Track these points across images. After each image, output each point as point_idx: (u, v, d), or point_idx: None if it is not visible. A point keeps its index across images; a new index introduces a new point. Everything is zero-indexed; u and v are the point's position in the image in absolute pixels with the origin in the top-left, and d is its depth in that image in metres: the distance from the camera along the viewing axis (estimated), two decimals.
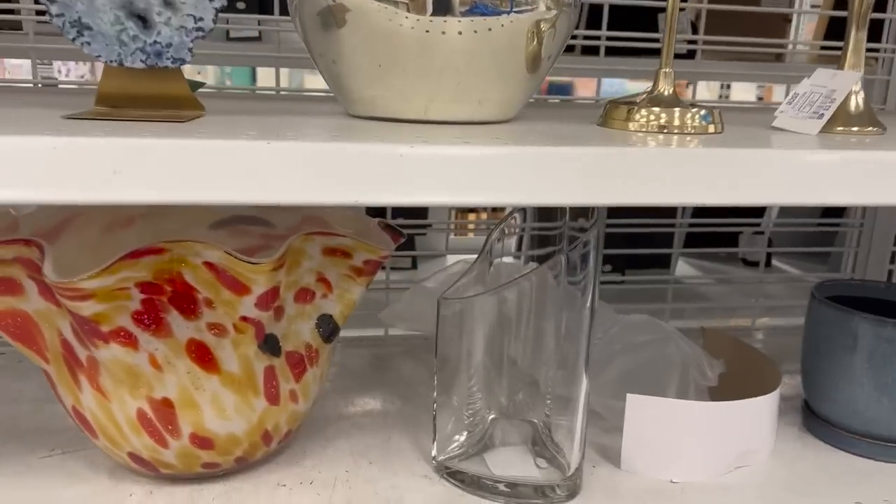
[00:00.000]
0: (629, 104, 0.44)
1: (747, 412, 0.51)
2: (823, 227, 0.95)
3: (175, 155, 0.31)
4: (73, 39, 0.39)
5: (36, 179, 0.30)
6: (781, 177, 0.37)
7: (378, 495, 0.48)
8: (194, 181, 0.31)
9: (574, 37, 0.74)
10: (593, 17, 0.77)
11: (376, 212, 0.77)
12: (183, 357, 0.43)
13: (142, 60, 0.40)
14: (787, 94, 0.84)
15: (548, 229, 0.55)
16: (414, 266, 1.06)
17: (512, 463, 0.50)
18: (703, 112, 0.43)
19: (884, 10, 0.77)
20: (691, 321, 0.84)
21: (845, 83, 0.45)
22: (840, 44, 0.47)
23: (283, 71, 0.74)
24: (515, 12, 0.39)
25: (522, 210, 0.54)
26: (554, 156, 0.34)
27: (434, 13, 0.38)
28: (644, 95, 0.44)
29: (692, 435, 0.50)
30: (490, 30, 0.39)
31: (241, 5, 0.85)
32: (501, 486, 0.48)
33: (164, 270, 0.40)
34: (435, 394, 0.50)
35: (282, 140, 0.32)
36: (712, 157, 0.36)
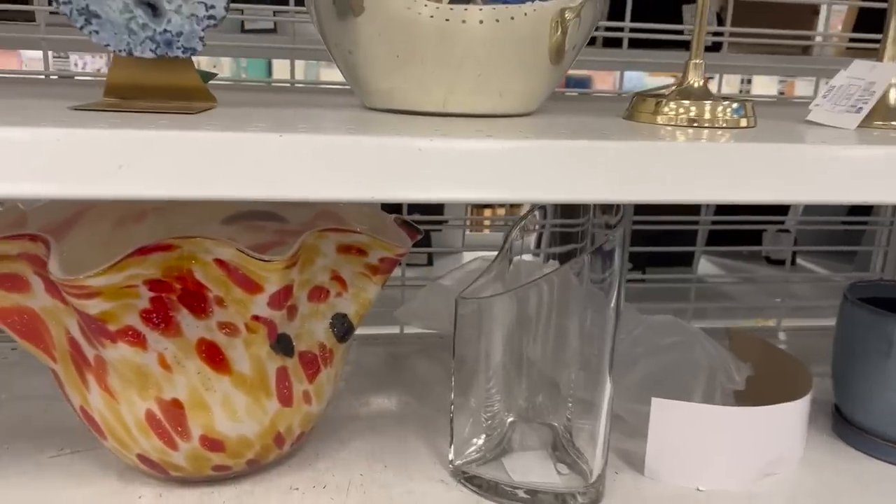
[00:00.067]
0: (657, 97, 0.42)
1: (777, 418, 0.50)
2: (851, 225, 0.92)
3: (182, 148, 0.30)
4: (81, 28, 0.38)
5: (38, 173, 0.29)
6: (820, 173, 0.35)
7: (393, 501, 0.46)
8: (202, 175, 0.30)
9: (595, 28, 0.72)
10: (614, 9, 0.75)
11: (392, 207, 0.75)
12: (193, 357, 0.42)
13: (151, 50, 0.38)
14: (815, 88, 0.82)
15: (569, 226, 0.54)
16: (430, 262, 1.05)
17: (531, 468, 0.48)
18: (735, 105, 0.41)
19: None
20: (714, 321, 0.81)
21: (885, 75, 0.43)
22: (872, 35, 0.45)
23: (299, 64, 0.73)
24: (539, 0, 0.37)
25: (542, 206, 0.53)
26: (582, 150, 0.32)
27: (454, 1, 0.36)
28: (673, 88, 0.42)
29: (719, 441, 0.49)
30: (512, 18, 0.37)
31: None
32: (521, 493, 0.47)
33: (173, 268, 0.39)
34: (452, 395, 0.49)
35: (294, 133, 0.31)
36: (747, 152, 0.34)
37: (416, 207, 0.84)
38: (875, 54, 0.46)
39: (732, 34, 0.73)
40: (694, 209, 0.81)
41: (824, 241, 1.04)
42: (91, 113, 0.35)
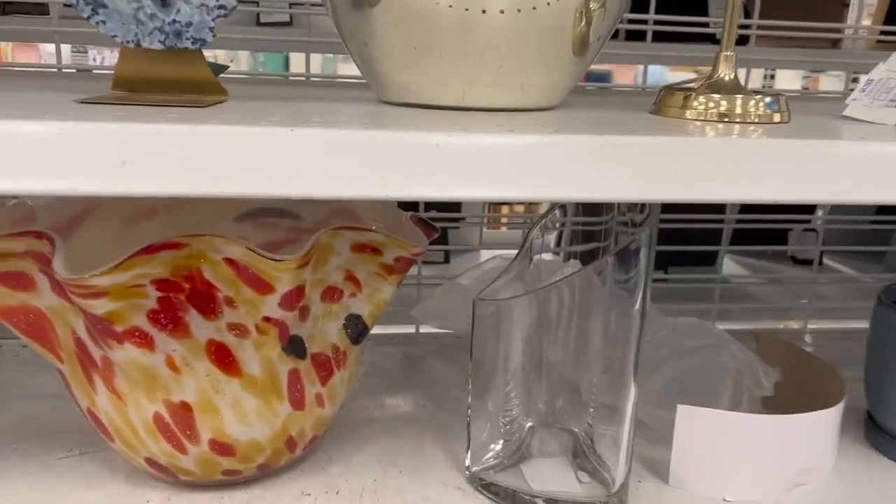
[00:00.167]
0: (686, 90, 0.40)
1: (809, 426, 0.48)
2: (880, 224, 0.89)
3: (188, 142, 0.28)
4: (88, 18, 0.37)
5: (39, 168, 0.28)
6: (861, 172, 0.33)
7: None
8: (209, 172, 0.29)
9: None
10: (637, 1, 0.73)
11: (408, 204, 0.74)
12: (202, 359, 0.40)
13: (160, 41, 0.37)
14: (845, 82, 0.79)
15: (592, 224, 0.52)
16: (446, 260, 1.03)
17: (551, 476, 0.47)
18: (767, 99, 0.39)
19: None
20: (739, 323, 0.79)
21: None
22: None
23: (316, 59, 0.71)
24: None
25: (562, 204, 0.51)
26: (609, 146, 0.30)
27: None
28: (702, 81, 0.41)
29: (747, 450, 0.47)
30: (535, 8, 0.36)
31: None
32: (540, 502, 0.45)
33: (181, 267, 0.38)
34: (469, 399, 0.47)
35: (307, 127, 0.29)
36: (783, 148, 0.32)
37: (432, 204, 0.82)
38: None
39: (760, 27, 0.71)
40: (718, 207, 0.79)
41: (852, 240, 1.01)
42: (98, 106, 0.33)
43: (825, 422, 0.48)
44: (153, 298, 0.38)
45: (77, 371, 0.42)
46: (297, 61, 1.86)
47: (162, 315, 0.39)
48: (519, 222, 0.77)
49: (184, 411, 0.41)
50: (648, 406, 0.52)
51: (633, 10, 0.71)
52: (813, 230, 0.95)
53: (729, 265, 1.05)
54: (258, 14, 0.85)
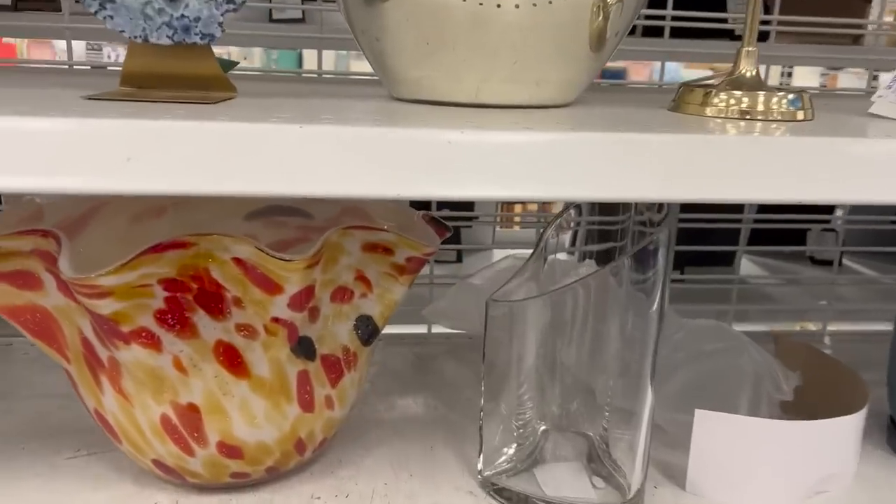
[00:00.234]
0: (706, 87, 0.39)
1: (831, 432, 0.46)
2: None
3: (194, 140, 0.28)
4: (95, 13, 0.36)
5: (41, 166, 0.27)
6: (889, 170, 0.32)
7: None
8: (215, 170, 0.28)
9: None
10: None
11: (420, 202, 0.73)
12: (210, 360, 0.40)
13: (168, 36, 0.36)
14: (868, 79, 0.78)
15: (608, 223, 0.51)
16: (459, 259, 1.02)
17: (565, 481, 0.46)
18: (791, 96, 0.38)
19: None
20: (756, 324, 0.78)
21: None
22: None
23: (329, 56, 0.71)
24: None
25: (577, 203, 0.50)
26: (629, 143, 0.29)
27: None
28: (723, 77, 0.39)
29: (767, 456, 0.46)
30: (551, 2, 0.35)
31: None
32: None
33: (189, 266, 0.37)
34: (482, 401, 0.46)
35: (316, 124, 0.28)
36: (809, 147, 0.31)
37: (445, 203, 0.81)
38: None
39: (780, 23, 0.70)
40: (736, 206, 0.78)
41: (872, 240, 0.99)
42: (104, 103, 0.33)
43: (848, 428, 0.47)
44: (160, 298, 0.37)
45: (84, 371, 0.41)
46: (310, 59, 1.86)
47: (169, 315, 0.38)
48: (532, 221, 0.76)
49: (191, 413, 0.40)
50: (665, 409, 0.51)
51: (649, 6, 0.70)
52: (832, 230, 0.94)
53: (746, 265, 1.04)
54: (270, 10, 0.85)
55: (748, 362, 0.52)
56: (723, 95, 0.38)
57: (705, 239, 0.77)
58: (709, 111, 0.38)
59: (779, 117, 0.37)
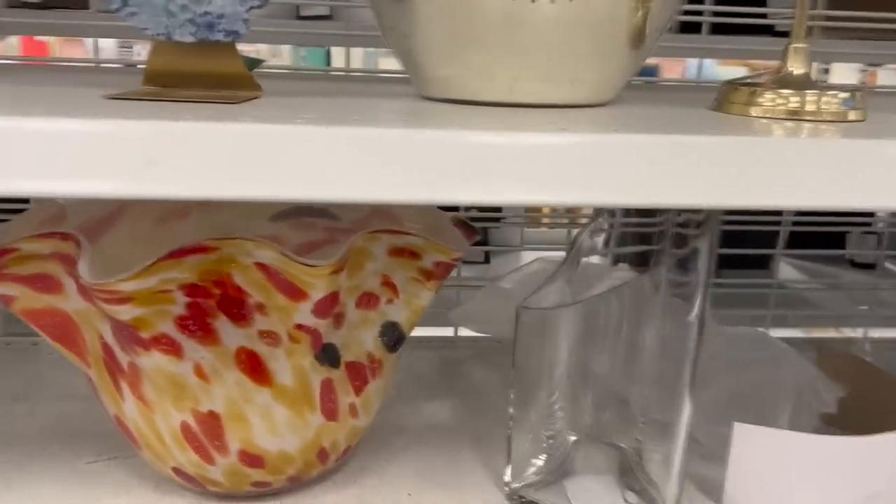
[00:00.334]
0: (751, 85, 0.37)
1: (877, 449, 0.44)
2: None
3: (216, 142, 0.26)
4: (117, 10, 0.35)
5: (58, 169, 0.26)
6: None
7: None
8: (237, 173, 0.27)
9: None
10: None
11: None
12: (231, 367, 0.39)
13: (191, 33, 0.35)
14: None
15: (645, 225, 0.49)
16: (487, 260, 1.01)
17: (596, 495, 0.44)
18: (843, 95, 0.36)
19: None
20: (794, 330, 0.75)
21: None
22: None
23: (358, 53, 0.70)
24: None
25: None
26: (674, 145, 0.27)
27: None
28: (770, 75, 0.37)
29: (810, 473, 0.43)
30: None
31: None
32: None
33: (210, 271, 0.36)
34: (511, 409, 0.45)
35: (343, 125, 0.27)
36: (866, 149, 0.29)
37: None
38: None
39: (827, 18, 0.67)
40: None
41: None
42: (124, 103, 0.32)
43: None
44: (181, 304, 0.36)
45: (104, 377, 0.40)
46: (338, 57, 1.85)
47: (190, 321, 0.37)
48: (563, 222, 0.75)
49: (212, 421, 0.39)
50: (701, 421, 0.49)
51: (689, 1, 0.68)
52: (873, 233, 0.90)
53: (784, 269, 1.01)
54: (298, 7, 0.84)
55: (789, 373, 0.50)
56: (770, 94, 0.36)
57: (741, 241, 0.75)
58: (754, 111, 0.36)
59: (829, 118, 0.35)
